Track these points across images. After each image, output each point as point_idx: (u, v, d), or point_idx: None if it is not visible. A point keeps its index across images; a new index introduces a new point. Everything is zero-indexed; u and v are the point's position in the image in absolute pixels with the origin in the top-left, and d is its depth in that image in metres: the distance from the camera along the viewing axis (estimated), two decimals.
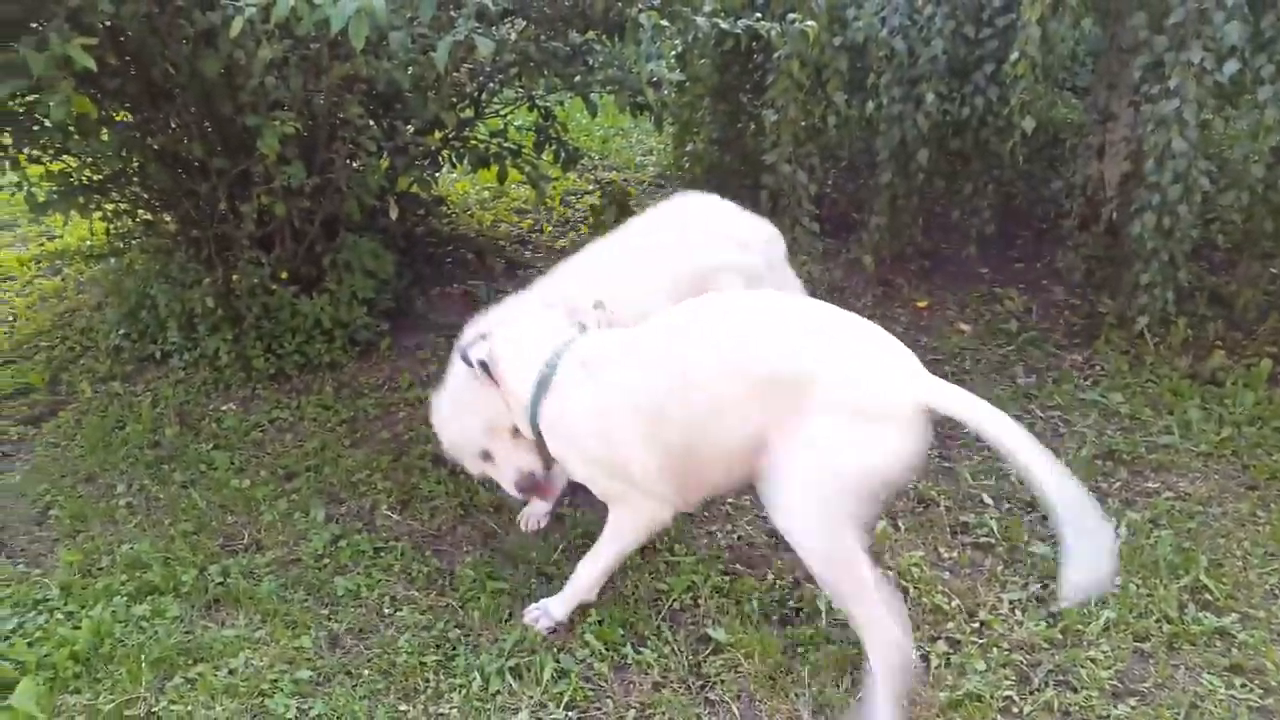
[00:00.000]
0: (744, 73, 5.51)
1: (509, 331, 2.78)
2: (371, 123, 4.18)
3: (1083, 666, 2.69)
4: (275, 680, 2.64)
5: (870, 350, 2.41)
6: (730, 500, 3.38)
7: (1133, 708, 2.57)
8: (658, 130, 5.93)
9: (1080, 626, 2.83)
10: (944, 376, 4.18)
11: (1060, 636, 2.80)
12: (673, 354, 2.51)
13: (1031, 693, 2.61)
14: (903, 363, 2.40)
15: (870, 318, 2.52)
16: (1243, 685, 2.65)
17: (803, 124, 4.78)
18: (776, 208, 5.01)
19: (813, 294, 3.36)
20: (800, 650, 2.75)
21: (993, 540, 3.21)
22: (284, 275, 4.22)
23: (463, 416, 2.87)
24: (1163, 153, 3.97)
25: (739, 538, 3.23)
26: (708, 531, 3.25)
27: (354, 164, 4.13)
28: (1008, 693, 2.61)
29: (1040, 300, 4.81)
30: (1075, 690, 2.63)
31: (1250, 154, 4.06)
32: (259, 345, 4.12)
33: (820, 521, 2.36)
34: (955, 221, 4.98)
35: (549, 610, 2.82)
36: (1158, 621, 2.82)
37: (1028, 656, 2.73)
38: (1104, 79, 5.10)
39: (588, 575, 2.81)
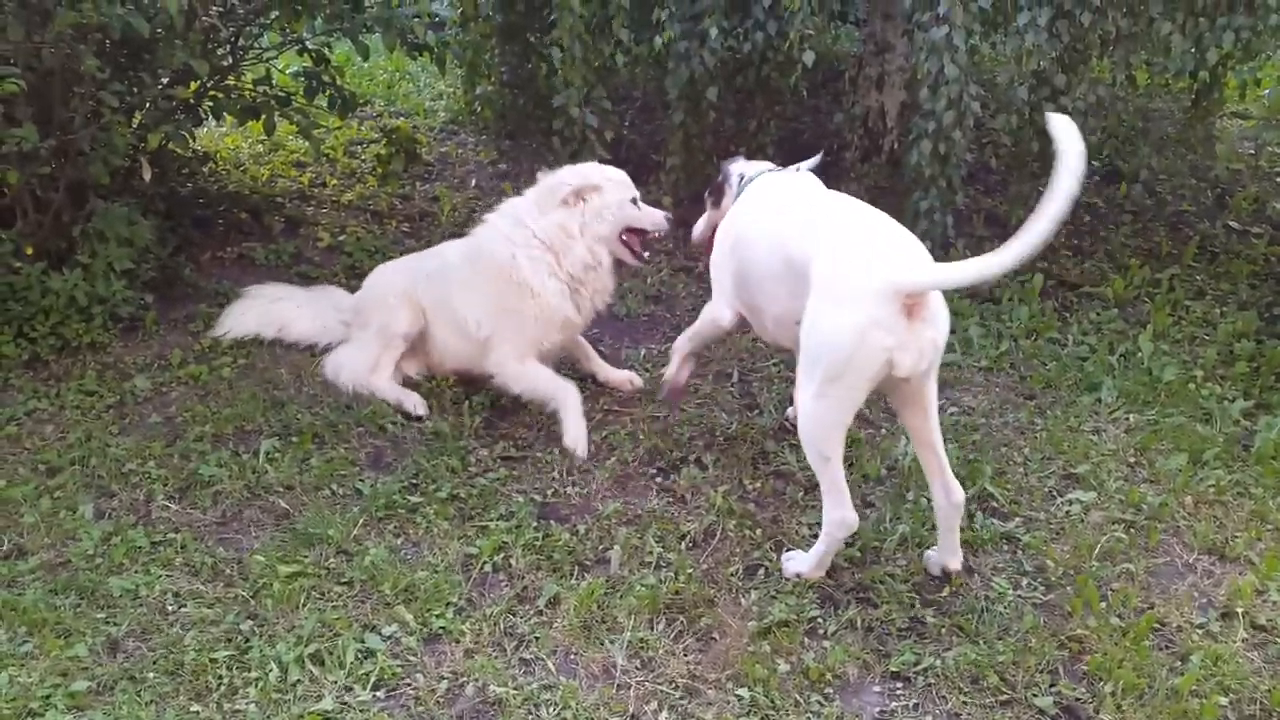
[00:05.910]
0: (531, 10, 5.34)
1: None
2: (112, 77, 3.76)
3: (882, 582, 2.79)
4: (47, 696, 2.40)
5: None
6: (540, 454, 3.31)
7: (931, 618, 2.68)
8: (440, 73, 5.68)
9: (877, 543, 2.94)
10: None
11: (860, 555, 2.90)
12: None
13: (836, 612, 2.69)
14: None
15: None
16: (1028, 585, 2.82)
17: (593, 64, 4.67)
18: (572, 153, 4.90)
19: None
20: (618, 596, 2.72)
21: (793, 468, 3.28)
22: (29, 250, 3.84)
23: None
24: (936, 79, 4.10)
25: (552, 493, 3.16)
26: (519, 490, 3.17)
27: (98, 123, 3.73)
28: (814, 614, 2.68)
29: None
30: (876, 606, 2.73)
31: (1015, 77, 4.26)
32: (8, 330, 3.75)
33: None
34: None
35: None
36: None
37: (830, 579, 2.80)
38: (879, 9, 5.23)
39: None
